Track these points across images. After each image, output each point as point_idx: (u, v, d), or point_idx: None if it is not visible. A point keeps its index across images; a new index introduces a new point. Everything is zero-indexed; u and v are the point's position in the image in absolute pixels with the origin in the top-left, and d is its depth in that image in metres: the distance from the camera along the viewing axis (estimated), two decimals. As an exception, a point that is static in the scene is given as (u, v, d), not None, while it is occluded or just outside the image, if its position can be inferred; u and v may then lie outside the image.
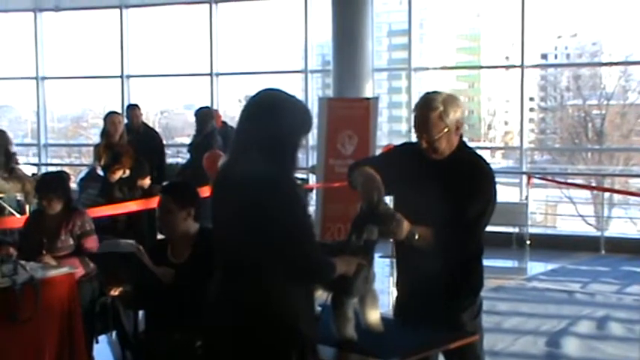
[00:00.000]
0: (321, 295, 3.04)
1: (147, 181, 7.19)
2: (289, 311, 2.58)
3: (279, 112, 2.61)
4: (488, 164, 3.16)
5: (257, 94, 2.67)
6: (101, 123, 7.85)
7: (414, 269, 3.07)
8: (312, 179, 9.42)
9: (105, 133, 7.29)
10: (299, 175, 9.22)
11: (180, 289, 3.47)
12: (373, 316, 2.99)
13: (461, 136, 3.14)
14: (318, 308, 3.11)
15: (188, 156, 8.63)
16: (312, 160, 10.55)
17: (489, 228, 3.12)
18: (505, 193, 12.40)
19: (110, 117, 7.23)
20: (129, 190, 7.02)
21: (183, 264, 3.63)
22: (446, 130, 3.02)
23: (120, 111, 8.62)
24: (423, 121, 3.04)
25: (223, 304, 2.64)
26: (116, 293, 3.74)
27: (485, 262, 3.20)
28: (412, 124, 3.14)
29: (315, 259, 2.62)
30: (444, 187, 2.99)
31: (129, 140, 7.51)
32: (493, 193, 3.10)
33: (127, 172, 6.96)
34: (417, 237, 2.94)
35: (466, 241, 3.06)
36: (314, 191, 9.01)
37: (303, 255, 2.56)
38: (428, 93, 3.10)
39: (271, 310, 2.56)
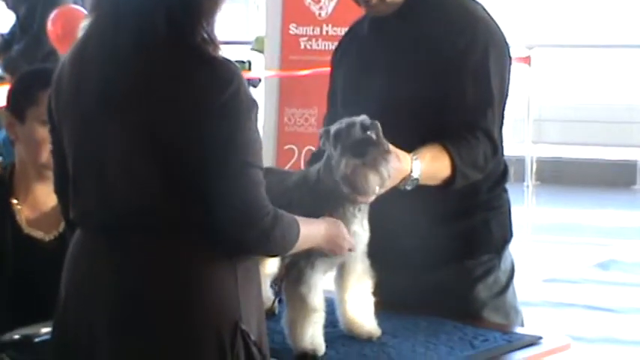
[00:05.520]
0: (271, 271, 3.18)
1: None
2: (218, 297, 2.64)
3: None
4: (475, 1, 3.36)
5: None
6: None
7: (390, 213, 3.08)
8: (259, 63, 9.53)
9: None
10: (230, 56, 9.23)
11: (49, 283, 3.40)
12: (363, 306, 3.04)
13: None
14: (270, 291, 3.24)
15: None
16: (259, 29, 10.49)
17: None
18: (615, 85, 12.06)
19: None
20: None
21: (55, 241, 3.64)
22: None
23: None
24: None
25: (97, 294, 2.68)
26: None
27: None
28: None
29: (257, 202, 2.62)
30: (415, 59, 3.24)
31: None
32: (503, 52, 3.27)
33: None
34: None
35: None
36: (262, 83, 9.05)
37: (239, 192, 2.59)
38: None
39: (189, 297, 2.63)
